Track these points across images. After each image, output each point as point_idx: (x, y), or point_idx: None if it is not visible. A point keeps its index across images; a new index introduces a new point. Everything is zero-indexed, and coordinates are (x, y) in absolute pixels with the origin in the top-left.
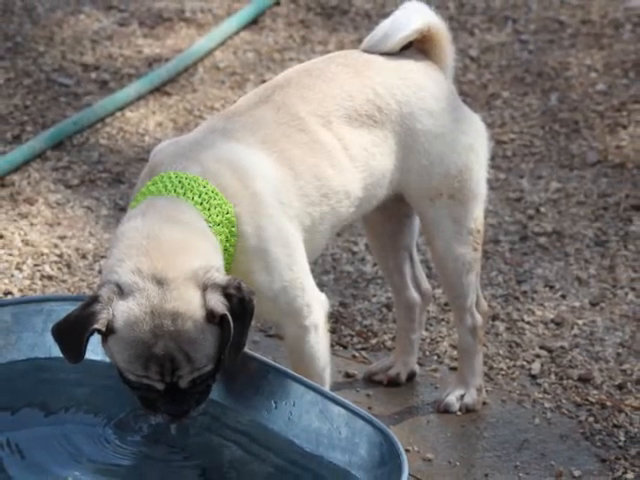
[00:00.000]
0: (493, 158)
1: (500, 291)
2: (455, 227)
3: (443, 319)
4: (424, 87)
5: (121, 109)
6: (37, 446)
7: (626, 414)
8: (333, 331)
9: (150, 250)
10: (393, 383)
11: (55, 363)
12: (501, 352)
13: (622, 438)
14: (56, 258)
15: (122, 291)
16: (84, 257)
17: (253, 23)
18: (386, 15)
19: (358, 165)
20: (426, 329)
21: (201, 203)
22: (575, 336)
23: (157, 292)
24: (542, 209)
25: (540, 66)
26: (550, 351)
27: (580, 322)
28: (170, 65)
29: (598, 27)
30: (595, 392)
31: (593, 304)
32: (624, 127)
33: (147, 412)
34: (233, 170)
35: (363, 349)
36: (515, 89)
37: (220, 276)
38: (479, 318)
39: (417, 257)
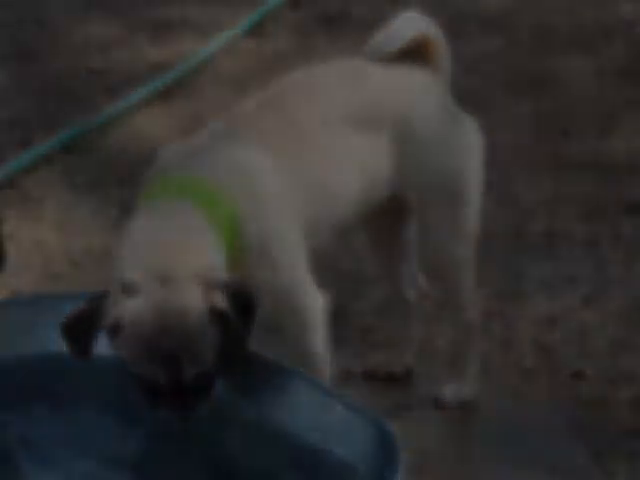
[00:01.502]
0: (488, 161)
1: (494, 289)
2: (451, 228)
3: (439, 317)
4: (421, 92)
5: (127, 113)
6: (47, 439)
7: (618, 409)
8: (333, 328)
9: (154, 250)
10: (391, 379)
11: (64, 359)
12: (495, 348)
13: (614, 432)
14: (65, 257)
15: (128, 289)
16: (92, 256)
17: (256, 30)
18: (385, 24)
19: (357, 167)
20: (423, 326)
21: (204, 204)
22: (568, 333)
23: (161, 291)
24: (535, 210)
25: (533, 71)
26: (543, 347)
27: (572, 319)
28: (175, 71)
29: (590, 33)
30: (587, 387)
31: (585, 302)
32: (615, 131)
33: (152, 407)
34: (236, 172)
35: (362, 346)
36: (508, 94)
37: (223, 275)
38: (474, 316)
39: (414, 256)
